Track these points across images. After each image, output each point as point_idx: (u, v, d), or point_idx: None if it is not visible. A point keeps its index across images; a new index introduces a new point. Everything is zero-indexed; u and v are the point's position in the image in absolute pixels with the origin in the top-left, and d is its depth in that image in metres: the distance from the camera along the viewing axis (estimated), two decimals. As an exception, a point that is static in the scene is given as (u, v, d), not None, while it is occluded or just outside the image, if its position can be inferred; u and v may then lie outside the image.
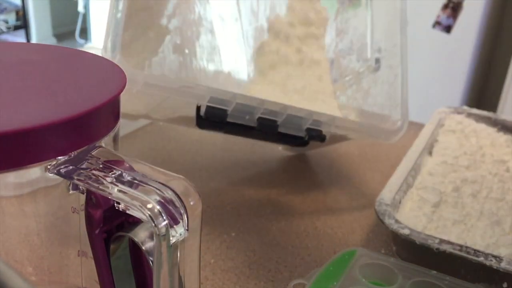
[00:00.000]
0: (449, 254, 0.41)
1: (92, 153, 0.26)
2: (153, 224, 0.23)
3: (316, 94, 0.57)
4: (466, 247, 0.42)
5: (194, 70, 0.55)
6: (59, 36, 3.21)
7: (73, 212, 0.28)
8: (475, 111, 0.70)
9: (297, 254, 0.48)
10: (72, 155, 0.25)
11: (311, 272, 0.43)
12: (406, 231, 0.43)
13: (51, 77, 0.28)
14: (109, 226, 0.26)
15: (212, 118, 0.45)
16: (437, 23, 1.74)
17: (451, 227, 0.48)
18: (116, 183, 0.24)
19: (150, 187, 0.24)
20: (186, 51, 0.54)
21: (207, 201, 0.55)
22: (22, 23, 3.03)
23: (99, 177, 0.24)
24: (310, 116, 0.48)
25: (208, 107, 0.44)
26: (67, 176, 0.24)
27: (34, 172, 0.25)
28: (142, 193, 0.23)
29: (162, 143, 0.68)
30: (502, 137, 0.66)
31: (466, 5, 1.70)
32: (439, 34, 1.75)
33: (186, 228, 0.24)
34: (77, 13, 2.98)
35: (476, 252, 0.41)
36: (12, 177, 0.25)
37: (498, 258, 0.41)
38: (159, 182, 0.24)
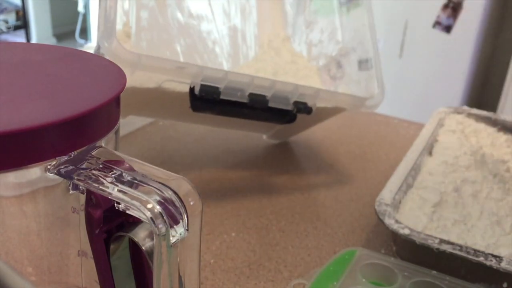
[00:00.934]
0: (449, 254, 0.41)
1: (92, 153, 0.26)
2: (153, 224, 0.23)
3: (301, 72, 0.64)
4: (466, 247, 0.42)
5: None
6: (59, 36, 3.21)
7: (73, 212, 0.28)
8: (475, 111, 0.70)
9: (297, 254, 0.48)
10: (72, 155, 0.25)
11: (311, 272, 0.43)
12: (406, 231, 0.43)
13: (51, 77, 0.28)
14: (109, 226, 0.26)
15: (206, 96, 0.48)
16: (437, 23, 1.74)
17: (451, 227, 0.48)
18: (116, 183, 0.24)
19: (150, 187, 0.24)
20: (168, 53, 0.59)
21: (207, 201, 0.55)
22: (22, 23, 3.04)
23: (99, 177, 0.24)
24: (296, 89, 0.51)
25: (202, 86, 0.47)
26: (67, 176, 0.24)
27: (34, 172, 0.25)
28: (142, 193, 0.23)
29: (162, 143, 0.68)
30: (502, 137, 0.66)
31: (466, 5, 1.70)
32: (439, 34, 1.75)
33: (186, 228, 0.24)
34: (77, 13, 2.99)
35: (476, 252, 0.41)
36: (12, 177, 0.25)
37: (498, 258, 0.41)
38: (159, 182, 0.24)
